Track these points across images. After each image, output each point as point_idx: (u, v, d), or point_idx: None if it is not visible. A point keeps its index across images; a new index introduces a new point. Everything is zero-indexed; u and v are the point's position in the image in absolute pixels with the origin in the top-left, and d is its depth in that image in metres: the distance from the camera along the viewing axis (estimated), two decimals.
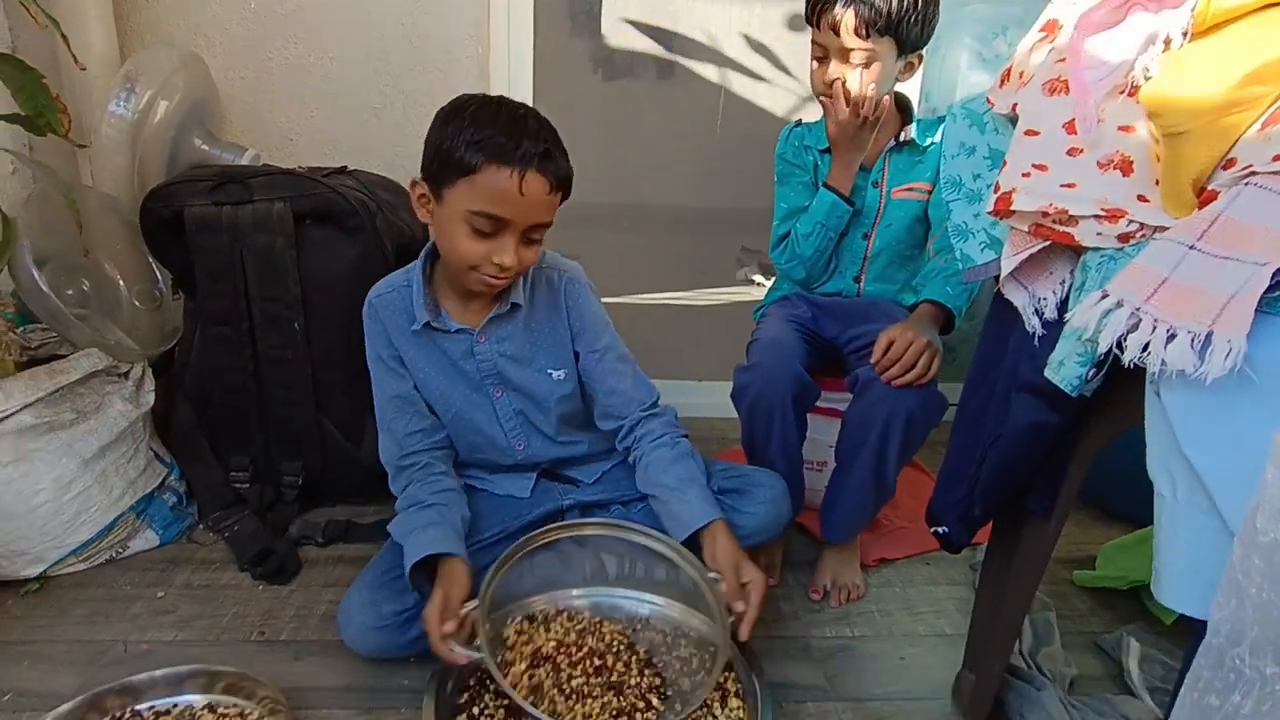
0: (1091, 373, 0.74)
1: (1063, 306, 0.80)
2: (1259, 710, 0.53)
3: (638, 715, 0.95)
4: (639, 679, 1.00)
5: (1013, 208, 0.78)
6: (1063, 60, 0.80)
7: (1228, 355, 0.57)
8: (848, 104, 1.29)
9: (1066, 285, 0.80)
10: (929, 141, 1.39)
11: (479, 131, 0.97)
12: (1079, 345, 0.73)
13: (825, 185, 1.38)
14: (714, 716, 0.99)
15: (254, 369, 1.42)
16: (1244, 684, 0.54)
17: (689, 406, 1.44)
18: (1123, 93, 0.74)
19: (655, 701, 0.97)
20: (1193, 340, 0.60)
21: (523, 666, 0.99)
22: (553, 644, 1.03)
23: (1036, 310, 0.83)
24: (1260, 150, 0.63)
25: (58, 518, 1.23)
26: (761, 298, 1.58)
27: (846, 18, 1.23)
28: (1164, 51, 0.71)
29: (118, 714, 0.98)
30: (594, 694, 0.97)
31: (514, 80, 1.75)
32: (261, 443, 1.47)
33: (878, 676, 1.16)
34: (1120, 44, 0.75)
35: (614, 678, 1.00)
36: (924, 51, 1.34)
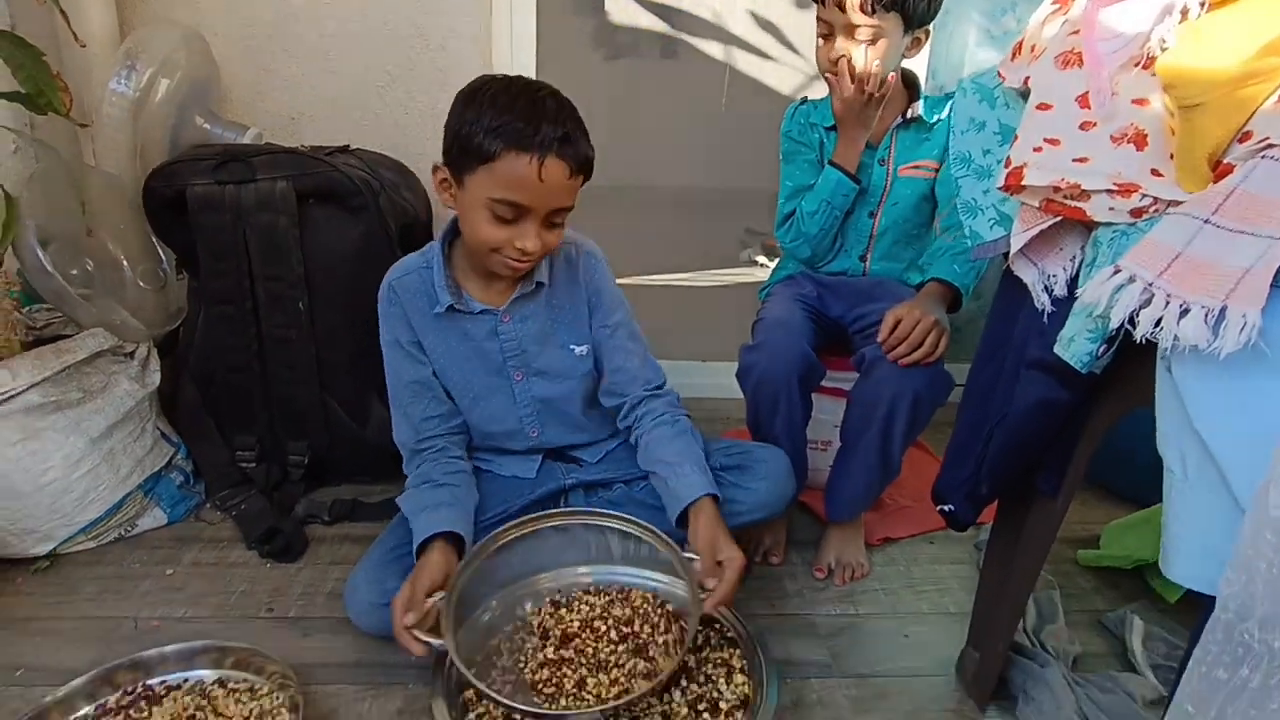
0: (1102, 349, 0.73)
1: (1073, 283, 0.79)
2: (1267, 684, 0.53)
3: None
4: (665, 635, 1.01)
5: (1024, 183, 0.77)
6: (1076, 32, 0.79)
7: (1242, 329, 0.57)
8: (853, 81, 1.27)
9: (1077, 262, 0.80)
10: (936, 118, 1.37)
11: (497, 117, 0.96)
12: (1089, 321, 0.73)
13: (831, 163, 1.37)
14: (719, 692, 1.00)
15: (258, 349, 1.42)
16: (1252, 658, 0.54)
17: (693, 387, 1.45)
18: (1138, 65, 0.73)
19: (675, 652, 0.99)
20: (1206, 315, 0.59)
21: (550, 651, 1.01)
22: (577, 623, 1.05)
23: (1046, 287, 0.82)
24: (1277, 123, 0.62)
25: (66, 496, 1.24)
26: (765, 279, 1.57)
27: None
28: (1181, 22, 0.70)
29: (129, 689, 1.00)
30: (620, 662, 0.99)
31: (517, 58, 1.73)
32: (267, 422, 1.48)
33: (882, 653, 1.17)
34: (1135, 15, 0.74)
35: (641, 640, 1.01)
36: (931, 27, 1.32)
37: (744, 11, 3.68)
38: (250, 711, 0.97)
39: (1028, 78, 0.84)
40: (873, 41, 1.26)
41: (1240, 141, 0.65)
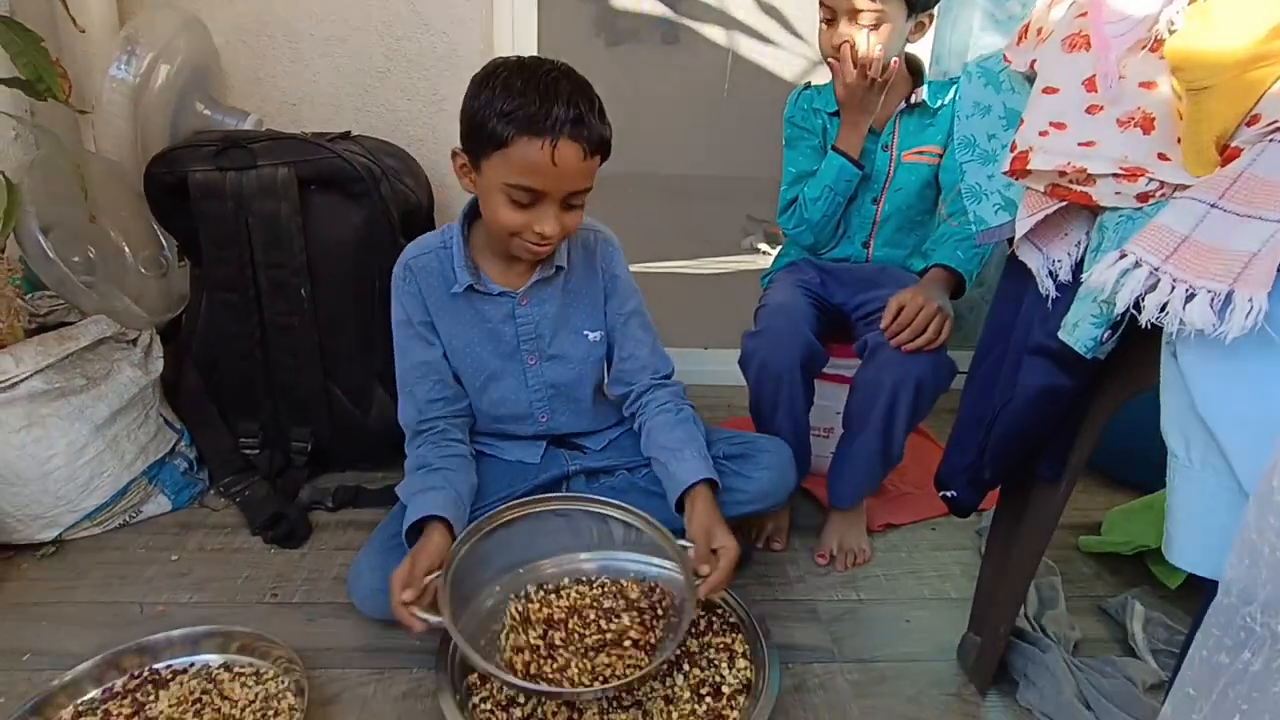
0: (1106, 334, 0.73)
1: (1078, 269, 0.79)
2: (1269, 668, 0.53)
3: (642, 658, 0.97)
4: (647, 633, 1.01)
5: (1029, 167, 0.76)
6: (1083, 15, 0.78)
7: (1249, 314, 0.57)
8: (856, 66, 1.26)
9: (1082, 247, 0.79)
10: (940, 103, 1.36)
11: (509, 101, 0.95)
12: (1094, 306, 0.73)
13: (834, 149, 1.36)
14: (721, 676, 1.00)
15: (261, 336, 1.42)
16: (1254, 642, 0.54)
17: (696, 374, 1.45)
18: (1145, 47, 0.73)
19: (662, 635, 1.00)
20: (1212, 300, 0.59)
21: (539, 631, 1.01)
22: (565, 608, 1.05)
23: (1051, 273, 0.82)
24: None
25: (71, 482, 1.24)
26: (768, 266, 1.57)
27: None
28: (1190, 4, 0.69)
29: (136, 673, 1.00)
30: (605, 648, 0.99)
31: (518, 44, 1.72)
32: (270, 409, 1.48)
33: (883, 638, 1.17)
34: None
35: (625, 630, 1.01)
36: (935, 11, 1.31)
37: None
38: (256, 695, 0.97)
39: (1034, 61, 0.84)
40: (876, 26, 1.25)
41: (1248, 125, 0.64)
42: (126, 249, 1.55)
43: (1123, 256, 0.66)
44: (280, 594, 1.20)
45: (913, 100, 1.36)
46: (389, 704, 1.02)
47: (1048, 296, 0.82)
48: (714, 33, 3.77)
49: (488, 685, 0.99)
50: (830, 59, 1.32)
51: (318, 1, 1.66)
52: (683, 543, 1.04)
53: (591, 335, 1.19)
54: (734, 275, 2.97)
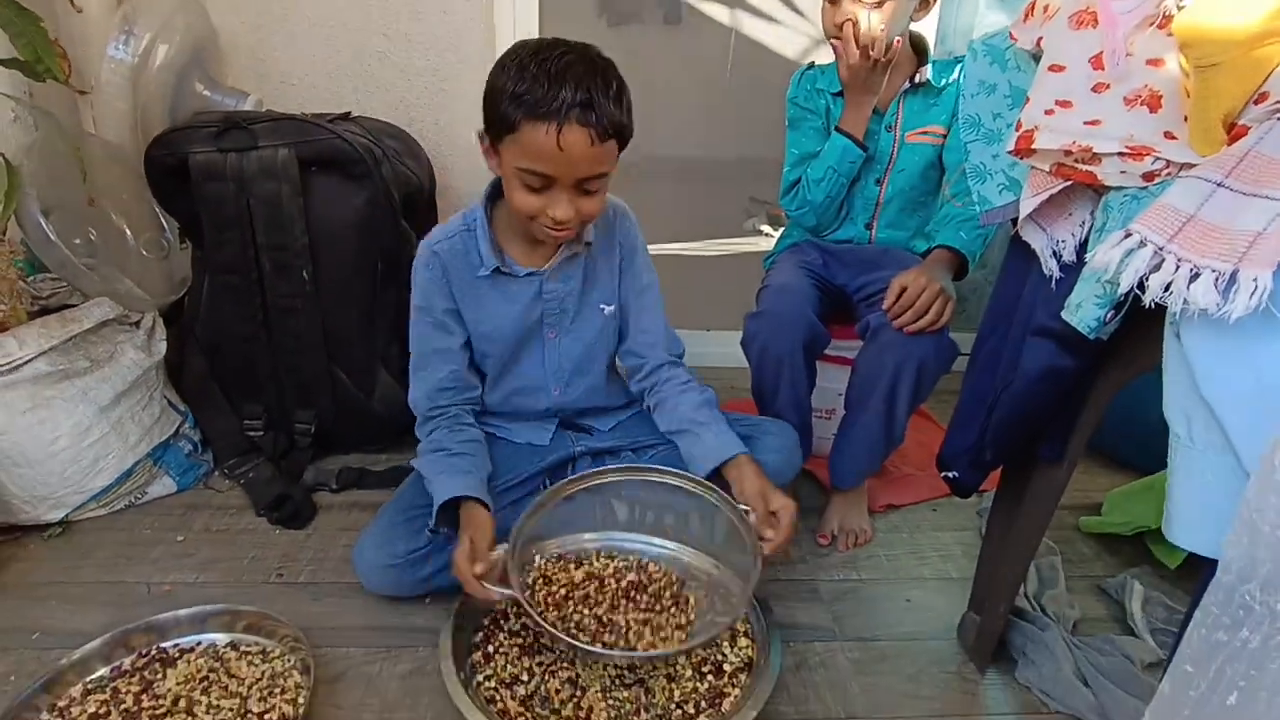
0: (1110, 314, 0.73)
1: (1082, 249, 0.79)
2: (1267, 645, 0.54)
3: (662, 634, 0.99)
4: (667, 614, 1.02)
5: (1034, 146, 0.76)
6: None
7: (1253, 293, 0.56)
8: (859, 45, 1.25)
9: (1086, 227, 0.79)
10: (945, 83, 1.35)
11: (520, 84, 0.94)
12: (1098, 287, 0.72)
13: (837, 129, 1.35)
14: (723, 654, 1.01)
15: (263, 318, 1.42)
16: (1253, 620, 0.54)
17: (698, 356, 1.44)
18: (1153, 24, 0.72)
19: (681, 621, 1.01)
20: (1217, 279, 0.59)
21: (556, 594, 1.03)
22: (582, 574, 1.07)
23: (1055, 253, 0.81)
24: None
25: (77, 464, 1.25)
26: (770, 247, 1.56)
27: None
28: None
29: (144, 651, 1.01)
30: (624, 615, 1.01)
31: (519, 24, 1.71)
32: (274, 391, 1.48)
33: (884, 617, 1.18)
34: None
35: (644, 608, 1.03)
36: None
37: None
38: (263, 673, 0.99)
39: (1040, 39, 0.83)
40: (879, 4, 1.24)
41: (1256, 103, 0.63)
42: (128, 231, 1.54)
43: (1127, 236, 0.65)
44: (286, 574, 1.21)
45: (917, 80, 1.35)
46: (394, 681, 1.03)
47: (1051, 277, 0.82)
48: (717, 11, 3.72)
49: (491, 664, 1.00)
50: (833, 38, 1.30)
51: None
52: (742, 506, 1.04)
53: (606, 309, 1.19)
54: (736, 257, 2.96)
